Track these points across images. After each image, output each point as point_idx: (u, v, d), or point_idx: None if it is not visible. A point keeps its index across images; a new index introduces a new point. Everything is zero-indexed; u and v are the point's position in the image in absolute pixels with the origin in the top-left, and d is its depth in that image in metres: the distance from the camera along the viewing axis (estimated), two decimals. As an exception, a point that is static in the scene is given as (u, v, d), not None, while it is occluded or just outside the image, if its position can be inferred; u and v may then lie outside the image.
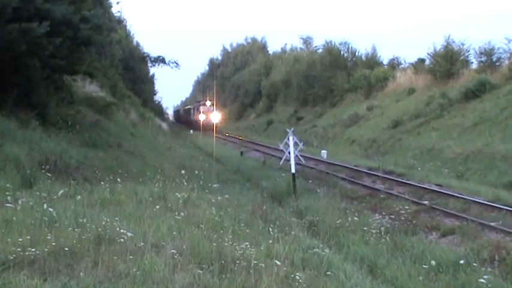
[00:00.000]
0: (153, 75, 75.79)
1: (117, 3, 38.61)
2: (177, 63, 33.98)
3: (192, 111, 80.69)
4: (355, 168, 26.35)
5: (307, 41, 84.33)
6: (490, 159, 24.47)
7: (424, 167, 25.74)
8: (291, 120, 62.75)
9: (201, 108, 73.07)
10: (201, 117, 69.15)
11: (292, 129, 22.14)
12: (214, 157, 31.30)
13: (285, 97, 73.63)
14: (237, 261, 7.08)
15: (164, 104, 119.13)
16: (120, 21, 42.50)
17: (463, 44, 42.85)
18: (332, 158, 31.72)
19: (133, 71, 55.66)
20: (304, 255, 8.46)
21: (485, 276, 8.36)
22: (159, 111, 79.00)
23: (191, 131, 69.16)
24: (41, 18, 15.94)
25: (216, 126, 63.43)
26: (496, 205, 15.83)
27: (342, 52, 61.51)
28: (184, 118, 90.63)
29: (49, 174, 11.88)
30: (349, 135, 43.26)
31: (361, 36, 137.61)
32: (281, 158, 29.31)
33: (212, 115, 68.85)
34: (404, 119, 38.07)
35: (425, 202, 17.18)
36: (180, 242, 7.66)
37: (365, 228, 12.30)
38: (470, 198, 16.96)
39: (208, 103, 73.57)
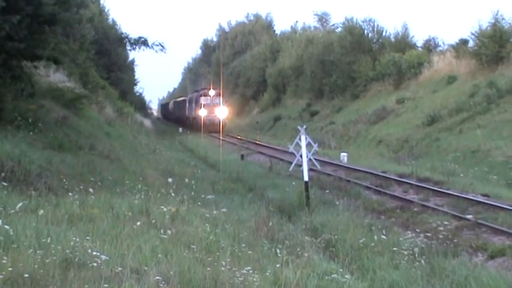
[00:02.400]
0: (133, 61, 76.15)
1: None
2: (162, 46, 34.11)
3: (187, 104, 76.13)
4: (383, 174, 26.32)
5: (322, 18, 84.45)
6: (549, 163, 24.38)
7: (468, 172, 25.67)
8: (303, 115, 62.71)
9: (202, 100, 66.89)
10: (202, 113, 65.14)
11: (304, 126, 22.10)
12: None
13: (296, 87, 73.62)
14: (237, 290, 7.07)
15: (147, 97, 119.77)
16: (92, -5, 42.58)
17: (515, 21, 42.76)
18: (354, 163, 31.69)
19: (108, 55, 55.70)
20: (319, 283, 8.46)
21: (543, 308, 8.33)
22: (140, 105, 79.19)
23: (180, 129, 68.86)
24: (-6, -8, 15.96)
25: (223, 126, 60.31)
26: (557, 220, 15.78)
27: (365, 32, 61.49)
28: (175, 114, 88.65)
29: (5, 184, 11.87)
30: (375, 134, 43.21)
31: (389, 12, 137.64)
32: (291, 163, 29.26)
33: (218, 110, 64.72)
34: (442, 114, 38.00)
35: (469, 216, 17.13)
36: (167, 267, 7.65)
37: (395, 249, 12.28)
38: (525, 212, 16.92)
39: (212, 93, 67.71)
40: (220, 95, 67.18)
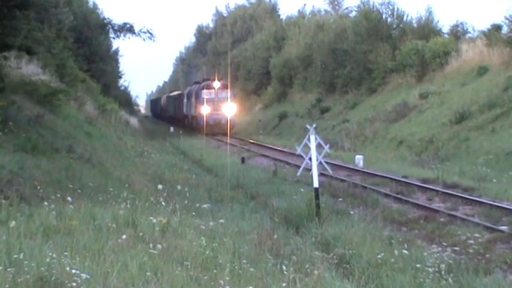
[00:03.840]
0: (117, 51, 76.25)
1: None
2: (150, 34, 34.01)
3: (185, 99, 72.48)
4: (404, 180, 26.30)
5: (334, 1, 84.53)
6: None
7: (501, 178, 25.63)
8: (313, 112, 62.78)
9: (204, 95, 62.63)
10: (204, 110, 61.25)
11: (314, 125, 22.11)
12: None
13: (304, 80, 73.68)
14: (237, 314, 7.08)
15: (133, 91, 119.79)
16: (70, -25, 42.58)
17: (555, 4, 42.82)
18: (371, 166, 31.66)
19: (89, 44, 55.77)
20: (331, 305, 8.45)
21: None
22: (126, 101, 79.20)
23: (172, 128, 68.62)
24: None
25: (231, 126, 56.38)
26: None
27: (383, 16, 61.51)
28: (169, 111, 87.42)
29: (-29, 192, 11.91)
30: (395, 133, 43.20)
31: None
32: (299, 167, 29.23)
33: (225, 106, 60.65)
34: (472, 110, 37.99)
35: (504, 228, 17.10)
36: (157, 287, 7.65)
37: (418, 266, 12.26)
38: None
39: (216, 85, 63.16)
40: (227, 87, 62.73)
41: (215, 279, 8.28)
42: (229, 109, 59.88)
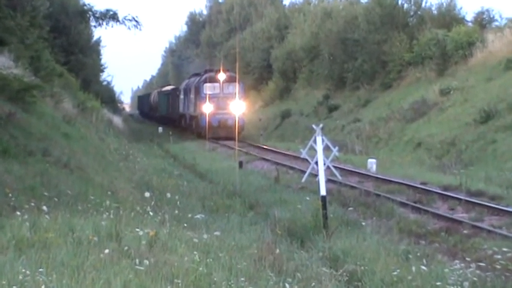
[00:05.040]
0: (98, 41, 76.26)
1: None
2: (136, 21, 33.91)
3: (182, 95, 68.39)
4: (422, 187, 26.31)
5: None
6: None
7: (533, 184, 25.67)
8: (320, 111, 62.79)
9: (207, 89, 58.07)
10: (206, 109, 56.52)
11: (321, 125, 22.09)
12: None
13: (310, 74, 73.68)
14: (234, 338, 7.08)
15: (117, 87, 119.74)
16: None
17: None
18: (385, 172, 31.66)
19: (67, 33, 55.78)
20: (341, 328, 8.45)
21: None
22: (109, 97, 79.17)
23: (160, 128, 68.52)
24: None
25: (240, 129, 52.10)
26: None
27: (399, 2, 61.53)
28: (160, 110, 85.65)
29: None
30: (413, 134, 43.21)
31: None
32: (304, 172, 29.23)
33: (232, 104, 55.59)
34: (500, 108, 37.99)
35: (535, 241, 17.10)
36: (143, 307, 7.66)
37: (438, 284, 12.27)
38: None
39: (222, 77, 58.53)
40: (235, 80, 57.87)
41: (210, 299, 8.28)
42: (238, 107, 54.55)
